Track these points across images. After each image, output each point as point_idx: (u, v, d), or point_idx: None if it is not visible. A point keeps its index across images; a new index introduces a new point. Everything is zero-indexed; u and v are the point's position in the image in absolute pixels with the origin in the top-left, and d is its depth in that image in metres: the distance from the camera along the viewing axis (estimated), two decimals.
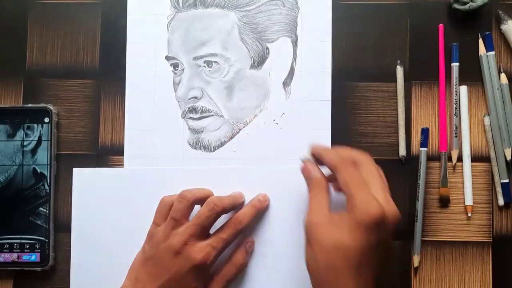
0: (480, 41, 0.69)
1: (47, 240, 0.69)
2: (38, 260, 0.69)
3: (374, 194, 0.55)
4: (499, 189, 0.68)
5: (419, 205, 0.68)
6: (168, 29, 0.72)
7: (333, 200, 0.60)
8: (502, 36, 0.70)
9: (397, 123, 0.69)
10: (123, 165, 0.71)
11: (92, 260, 0.69)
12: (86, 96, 0.72)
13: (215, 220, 0.64)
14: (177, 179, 0.69)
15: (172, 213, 0.64)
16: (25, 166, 0.70)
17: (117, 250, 0.69)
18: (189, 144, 0.71)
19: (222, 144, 0.71)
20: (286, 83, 0.71)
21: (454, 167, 0.69)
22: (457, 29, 0.70)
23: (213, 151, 0.71)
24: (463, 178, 0.69)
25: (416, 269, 0.68)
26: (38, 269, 0.69)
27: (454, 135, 0.68)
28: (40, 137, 0.70)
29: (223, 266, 0.66)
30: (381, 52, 0.71)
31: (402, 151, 0.69)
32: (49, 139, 0.70)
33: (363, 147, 0.69)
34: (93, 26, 0.72)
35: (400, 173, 0.69)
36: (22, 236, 0.69)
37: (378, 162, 0.68)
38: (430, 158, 0.69)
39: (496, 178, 0.68)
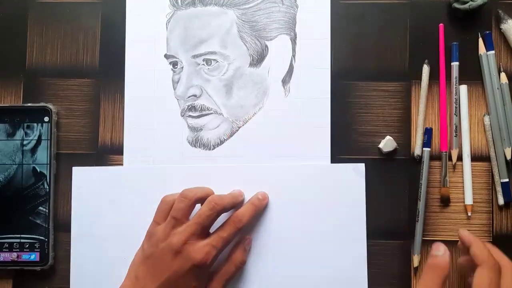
0: (480, 40, 0.69)
1: (46, 240, 0.69)
2: (37, 259, 0.69)
3: None
4: (499, 189, 0.68)
5: (421, 205, 0.68)
6: (167, 28, 0.72)
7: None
8: (502, 35, 0.70)
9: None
10: (122, 164, 0.71)
11: (92, 259, 0.69)
12: (85, 95, 0.72)
13: (215, 219, 0.64)
14: (177, 177, 0.70)
15: (173, 212, 0.64)
16: (24, 165, 0.70)
17: (117, 249, 0.69)
18: (189, 142, 0.71)
19: (221, 142, 0.71)
20: (285, 81, 0.71)
21: (454, 166, 0.69)
22: (457, 28, 0.70)
23: (213, 149, 0.71)
24: (463, 177, 0.69)
25: (416, 269, 0.68)
26: (38, 268, 0.69)
27: (454, 134, 0.68)
28: (40, 136, 0.70)
29: (222, 265, 0.66)
30: (381, 51, 0.70)
31: (418, 151, 0.69)
32: (49, 138, 0.70)
33: (363, 146, 0.69)
34: (92, 26, 0.72)
35: (400, 172, 0.69)
36: (21, 236, 0.69)
37: (377, 162, 0.69)
38: (430, 157, 0.69)
39: (496, 177, 0.68)
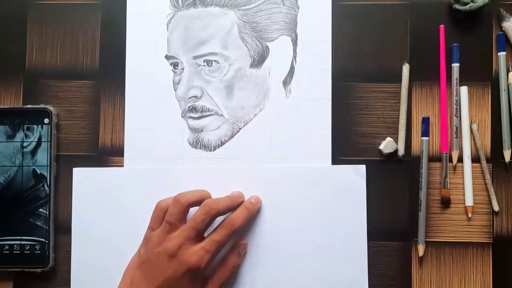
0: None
1: (47, 241, 0.69)
2: (38, 261, 0.69)
3: None
4: (493, 196, 0.69)
5: (422, 195, 0.68)
6: (167, 28, 0.72)
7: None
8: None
9: (398, 123, 0.69)
10: (123, 166, 0.70)
11: (92, 260, 0.69)
12: (86, 96, 0.71)
13: (210, 223, 0.64)
14: (178, 179, 0.70)
15: (167, 217, 0.64)
16: (25, 167, 0.69)
17: (117, 250, 0.69)
18: (189, 143, 0.71)
19: (222, 143, 0.71)
20: (286, 82, 0.71)
21: (454, 168, 0.69)
22: (457, 29, 0.70)
23: (213, 150, 0.71)
24: (463, 179, 0.69)
25: (421, 258, 0.68)
26: (38, 270, 0.69)
27: (454, 136, 0.68)
28: (40, 138, 0.69)
29: (217, 269, 0.66)
30: (382, 52, 0.70)
31: (401, 151, 0.69)
32: (49, 140, 0.70)
33: (363, 147, 0.70)
34: (92, 27, 0.72)
35: (400, 173, 0.69)
36: (22, 238, 0.69)
37: (378, 163, 0.69)
38: (431, 159, 0.69)
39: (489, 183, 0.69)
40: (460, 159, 0.69)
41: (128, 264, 0.65)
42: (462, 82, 0.69)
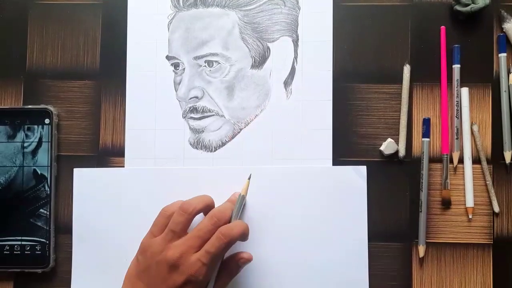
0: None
1: (47, 242, 0.69)
2: (38, 261, 0.69)
3: None
4: (493, 197, 0.69)
5: (423, 196, 0.68)
6: (168, 29, 0.72)
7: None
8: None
9: (399, 124, 0.69)
10: (124, 166, 0.70)
11: (93, 261, 0.69)
12: (86, 97, 0.71)
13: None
14: (178, 179, 0.70)
15: (172, 225, 0.63)
16: (25, 168, 0.69)
17: (118, 251, 0.69)
18: (190, 144, 0.71)
19: (223, 144, 0.71)
20: (287, 83, 0.71)
21: (455, 169, 0.69)
22: (458, 31, 0.70)
23: (214, 151, 0.71)
24: (464, 180, 0.69)
25: (421, 259, 0.68)
26: (39, 270, 0.69)
27: (455, 137, 0.68)
28: (40, 138, 0.69)
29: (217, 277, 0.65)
30: (383, 53, 0.70)
31: (402, 152, 0.69)
32: (49, 140, 0.69)
33: (364, 148, 0.70)
34: (93, 27, 0.72)
35: (401, 174, 0.69)
36: (22, 238, 0.69)
37: (379, 164, 0.69)
38: (431, 160, 0.69)
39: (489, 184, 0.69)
40: (461, 160, 0.69)
41: (128, 270, 0.64)
42: (462, 83, 0.69)
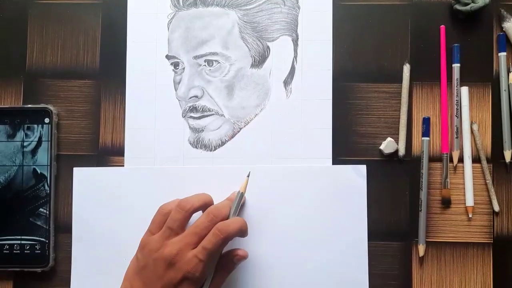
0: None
1: (47, 241, 0.69)
2: (38, 261, 0.69)
3: None
4: (493, 196, 0.69)
5: (423, 195, 0.68)
6: (168, 28, 0.72)
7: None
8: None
9: (399, 123, 0.69)
10: (123, 165, 0.70)
11: (92, 260, 0.69)
12: (86, 96, 0.71)
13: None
14: (178, 179, 0.70)
15: (169, 222, 0.63)
16: (25, 167, 0.69)
17: (117, 250, 0.69)
18: (190, 143, 0.71)
19: (223, 143, 0.71)
20: (287, 82, 0.71)
21: (455, 168, 0.69)
22: (458, 30, 0.70)
23: (214, 150, 0.71)
24: (464, 179, 0.69)
25: (421, 258, 0.68)
26: (38, 270, 0.69)
27: (455, 136, 0.68)
28: (40, 138, 0.69)
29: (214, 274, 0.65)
30: (382, 53, 0.70)
31: (402, 151, 0.69)
32: (49, 139, 0.69)
33: (364, 147, 0.69)
34: (93, 26, 0.72)
35: (401, 173, 0.69)
36: (22, 237, 0.69)
37: (378, 163, 0.69)
38: (431, 159, 0.69)
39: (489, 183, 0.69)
40: (461, 160, 0.69)
41: (128, 268, 0.65)
42: (462, 82, 0.69)
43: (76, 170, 0.70)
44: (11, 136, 0.70)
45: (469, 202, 0.68)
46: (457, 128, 0.69)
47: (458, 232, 0.69)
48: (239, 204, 0.65)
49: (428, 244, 0.68)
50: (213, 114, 0.71)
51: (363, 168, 0.69)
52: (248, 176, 0.67)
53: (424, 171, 0.68)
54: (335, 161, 0.69)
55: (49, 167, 0.69)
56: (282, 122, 0.70)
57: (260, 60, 0.71)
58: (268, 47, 0.71)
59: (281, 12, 0.71)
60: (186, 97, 0.71)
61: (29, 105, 0.70)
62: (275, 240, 0.68)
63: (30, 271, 0.69)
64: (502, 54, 0.69)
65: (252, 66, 0.71)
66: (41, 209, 0.69)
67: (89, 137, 0.71)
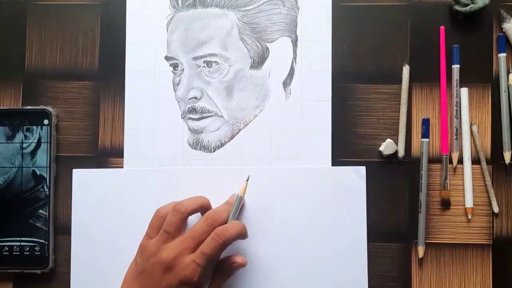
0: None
1: (47, 243, 0.69)
2: (38, 262, 0.69)
3: None
4: (493, 197, 0.69)
5: (422, 196, 0.68)
6: (167, 29, 0.72)
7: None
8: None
9: (398, 124, 0.69)
10: (123, 167, 0.70)
11: (92, 261, 0.69)
12: (85, 97, 0.71)
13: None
14: (177, 180, 0.69)
15: (165, 226, 0.63)
16: (24, 168, 0.69)
17: (117, 252, 0.69)
18: (189, 144, 0.71)
19: (222, 145, 0.71)
20: (286, 83, 0.71)
21: (454, 169, 0.69)
22: (458, 31, 0.70)
23: (213, 151, 0.71)
24: (463, 180, 0.69)
25: (421, 260, 0.68)
26: (38, 271, 0.69)
27: (454, 137, 0.68)
28: (39, 139, 0.69)
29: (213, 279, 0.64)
30: (382, 54, 0.70)
31: (401, 152, 0.69)
32: (48, 141, 0.69)
33: (363, 149, 0.69)
34: (92, 27, 0.72)
35: (400, 174, 0.69)
36: (21, 239, 0.69)
37: (378, 164, 0.69)
38: (431, 160, 0.69)
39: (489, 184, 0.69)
40: (460, 161, 0.69)
41: (127, 271, 0.65)
42: (462, 83, 0.69)
43: (76, 172, 0.70)
44: (10, 138, 0.70)
45: (469, 203, 0.68)
46: (456, 129, 0.68)
47: (457, 233, 0.69)
48: (238, 208, 0.65)
49: (427, 245, 0.68)
50: (212, 115, 0.71)
51: (362, 170, 0.69)
52: (247, 180, 0.67)
53: (424, 172, 0.68)
54: (334, 162, 0.69)
55: (48, 168, 0.69)
56: (282, 123, 0.70)
57: (259, 61, 0.71)
58: (267, 48, 0.71)
59: (280, 13, 0.71)
60: (185, 98, 0.71)
61: (28, 107, 0.70)
62: (274, 241, 0.68)
63: (30, 272, 0.69)
64: (502, 55, 0.69)
65: (251, 67, 0.71)
66: (40, 211, 0.69)
67: (88, 138, 0.71)
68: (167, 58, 0.71)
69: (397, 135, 0.69)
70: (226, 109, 0.70)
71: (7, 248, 0.69)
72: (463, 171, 0.69)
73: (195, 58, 0.71)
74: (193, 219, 0.64)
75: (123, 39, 0.71)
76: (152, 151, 0.70)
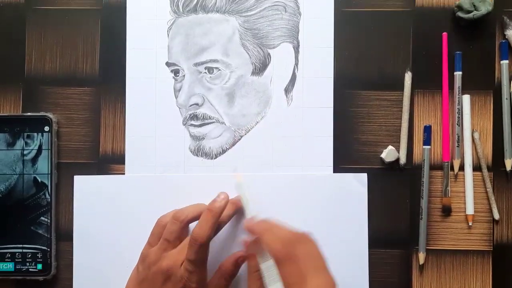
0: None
1: (49, 249, 0.69)
2: (40, 269, 0.69)
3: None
4: (494, 204, 0.69)
5: (424, 203, 0.68)
6: (168, 35, 0.71)
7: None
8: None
9: (400, 131, 0.69)
10: (124, 173, 0.70)
11: (94, 268, 0.69)
12: (86, 104, 0.71)
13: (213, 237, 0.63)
14: (179, 187, 0.69)
15: (165, 234, 0.63)
16: (25, 175, 0.69)
17: (119, 258, 0.69)
18: (191, 151, 0.70)
19: (223, 151, 0.70)
20: (287, 90, 0.70)
21: (455, 176, 0.69)
22: (460, 37, 0.70)
23: (215, 158, 0.70)
24: (464, 187, 0.69)
25: (421, 266, 0.69)
26: (40, 278, 0.69)
27: (456, 144, 0.68)
28: (40, 146, 0.69)
29: (213, 277, 0.65)
30: (384, 60, 0.70)
31: (403, 159, 0.69)
32: (49, 148, 0.69)
33: (365, 156, 0.69)
34: (92, 33, 0.71)
35: (402, 181, 0.69)
36: (23, 246, 0.69)
37: (379, 171, 0.69)
38: (432, 167, 0.69)
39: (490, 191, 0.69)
40: (462, 168, 0.69)
41: (128, 279, 0.65)
42: (464, 90, 0.69)
43: (77, 178, 0.70)
44: (11, 145, 0.69)
45: (470, 210, 0.68)
46: (458, 137, 0.68)
47: (458, 240, 0.69)
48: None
49: (428, 252, 0.69)
50: (213, 122, 0.70)
51: (364, 177, 0.69)
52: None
53: (425, 179, 0.68)
54: (336, 169, 0.69)
55: (49, 175, 0.69)
56: (283, 129, 0.70)
57: (261, 67, 0.70)
58: (269, 54, 0.70)
59: (282, 19, 0.71)
60: (186, 104, 0.70)
61: (29, 113, 0.70)
62: None
63: (32, 279, 0.69)
64: (504, 62, 0.69)
65: (253, 73, 0.70)
66: (42, 218, 0.69)
67: (89, 145, 0.71)
68: (168, 64, 0.71)
69: (399, 142, 0.69)
70: (228, 116, 0.70)
71: (9, 255, 0.69)
72: (464, 178, 0.69)
73: (196, 64, 0.70)
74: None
75: (123, 44, 0.71)
76: (154, 158, 0.70)
